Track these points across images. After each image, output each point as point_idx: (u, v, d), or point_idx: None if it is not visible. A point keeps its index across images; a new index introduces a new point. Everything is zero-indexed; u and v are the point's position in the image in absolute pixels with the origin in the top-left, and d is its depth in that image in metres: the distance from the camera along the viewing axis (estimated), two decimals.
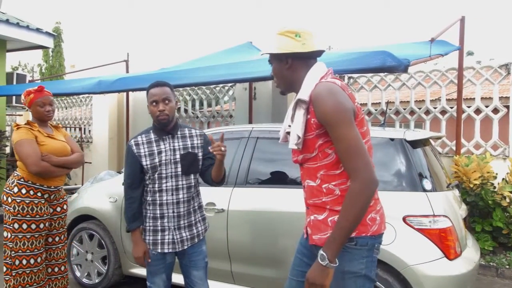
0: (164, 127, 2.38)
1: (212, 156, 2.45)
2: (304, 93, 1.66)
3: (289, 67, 1.73)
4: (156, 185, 2.36)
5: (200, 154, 2.46)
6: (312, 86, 1.66)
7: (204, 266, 2.50)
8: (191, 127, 2.55)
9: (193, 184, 2.44)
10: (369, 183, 1.52)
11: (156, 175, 2.36)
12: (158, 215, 2.38)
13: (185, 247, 2.41)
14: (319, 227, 1.69)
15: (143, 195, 2.45)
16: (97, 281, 3.78)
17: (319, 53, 1.75)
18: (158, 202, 2.37)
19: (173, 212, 2.38)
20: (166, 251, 2.38)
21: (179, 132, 2.43)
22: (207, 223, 2.58)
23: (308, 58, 1.74)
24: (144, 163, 2.36)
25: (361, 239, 1.63)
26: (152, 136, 2.41)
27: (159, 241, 2.38)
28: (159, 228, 2.38)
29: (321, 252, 1.55)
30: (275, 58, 1.77)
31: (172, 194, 2.37)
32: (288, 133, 1.78)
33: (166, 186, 2.36)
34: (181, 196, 2.39)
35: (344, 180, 1.64)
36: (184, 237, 2.40)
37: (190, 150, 2.42)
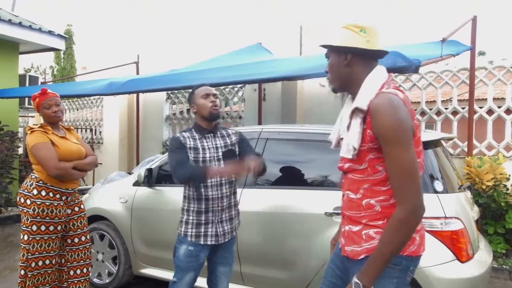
0: (214, 119, 2.50)
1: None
2: (363, 101, 1.53)
3: (348, 63, 1.61)
4: None
5: (236, 150, 2.59)
6: (372, 94, 1.53)
7: (232, 263, 2.62)
8: (225, 127, 2.70)
9: (233, 179, 2.55)
10: (417, 210, 1.44)
11: None
12: (203, 209, 2.45)
13: (227, 239, 2.51)
14: (353, 238, 1.63)
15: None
16: (107, 281, 3.81)
17: (382, 54, 1.64)
18: (203, 197, 2.45)
19: (218, 206, 2.47)
20: (209, 243, 2.44)
21: (218, 132, 2.57)
22: (239, 219, 2.67)
23: (370, 58, 1.62)
24: (189, 155, 2.44)
25: (395, 258, 1.51)
26: (195, 134, 2.52)
27: (202, 233, 2.45)
28: (203, 222, 2.45)
29: (355, 280, 1.48)
30: (333, 52, 1.64)
31: (217, 190, 2.46)
32: (342, 139, 1.68)
33: (211, 182, 2.44)
34: (224, 191, 2.49)
35: (388, 197, 1.55)
36: (226, 230, 2.50)
37: (230, 148, 2.55)
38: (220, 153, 2.49)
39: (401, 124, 1.45)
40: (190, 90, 2.62)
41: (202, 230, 2.45)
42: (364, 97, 1.53)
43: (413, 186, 1.44)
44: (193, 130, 2.54)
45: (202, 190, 2.44)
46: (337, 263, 1.78)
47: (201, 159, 2.44)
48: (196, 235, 2.44)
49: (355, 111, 1.55)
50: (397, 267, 1.53)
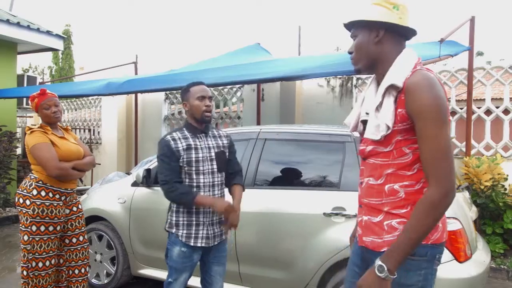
0: (205, 122, 2.48)
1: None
2: (398, 78, 1.46)
3: (379, 40, 1.54)
4: (194, 181, 2.42)
5: (227, 153, 2.58)
6: (407, 72, 1.47)
7: (225, 262, 2.60)
8: (216, 128, 2.67)
9: (224, 181, 2.55)
10: (450, 193, 1.37)
11: (193, 171, 2.42)
12: (194, 210, 2.43)
13: (216, 243, 2.49)
14: (373, 229, 1.54)
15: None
16: (106, 281, 3.80)
17: (411, 33, 1.57)
18: None
19: (209, 207, 2.44)
20: (199, 245, 2.42)
21: (209, 132, 2.54)
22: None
23: (401, 36, 1.56)
24: (181, 158, 2.40)
25: (420, 248, 1.44)
26: (187, 133, 2.47)
27: (193, 235, 2.43)
28: (194, 222, 2.44)
29: (379, 263, 1.40)
30: (363, 28, 1.56)
31: (209, 190, 2.45)
32: (363, 121, 1.61)
33: (204, 182, 2.44)
34: (216, 192, 2.48)
35: (414, 183, 1.48)
36: (216, 233, 2.49)
37: (222, 149, 2.54)
38: (213, 153, 2.48)
39: (441, 101, 1.40)
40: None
41: (193, 231, 2.42)
42: (399, 74, 1.47)
43: (447, 167, 1.38)
44: (184, 129, 2.48)
45: (194, 190, 2.42)
46: (355, 260, 1.71)
47: (194, 159, 2.40)
48: (187, 236, 2.42)
49: (389, 88, 1.48)
50: (423, 258, 1.47)
